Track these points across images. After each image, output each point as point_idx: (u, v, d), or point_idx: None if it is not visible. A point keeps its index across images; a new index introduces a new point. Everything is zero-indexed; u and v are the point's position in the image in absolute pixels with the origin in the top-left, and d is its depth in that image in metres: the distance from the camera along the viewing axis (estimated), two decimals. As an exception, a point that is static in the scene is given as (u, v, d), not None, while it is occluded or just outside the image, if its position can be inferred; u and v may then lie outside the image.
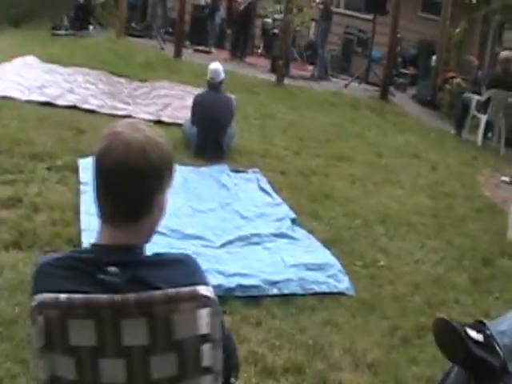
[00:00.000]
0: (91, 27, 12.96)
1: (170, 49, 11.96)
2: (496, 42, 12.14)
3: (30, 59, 9.26)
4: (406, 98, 12.31)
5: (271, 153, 6.95)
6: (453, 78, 11.16)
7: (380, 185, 6.58)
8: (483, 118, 8.99)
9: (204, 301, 1.55)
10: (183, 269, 1.64)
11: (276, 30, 13.38)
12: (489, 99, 8.89)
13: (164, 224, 4.54)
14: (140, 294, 1.51)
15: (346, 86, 11.77)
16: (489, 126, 9.24)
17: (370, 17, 14.41)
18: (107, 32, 12.92)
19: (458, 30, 11.67)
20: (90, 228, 4.41)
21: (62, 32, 12.62)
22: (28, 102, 7.28)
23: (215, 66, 6.65)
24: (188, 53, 12.01)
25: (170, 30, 13.49)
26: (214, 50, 12.80)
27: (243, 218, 5.19)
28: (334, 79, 12.73)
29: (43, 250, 4.11)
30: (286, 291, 4.01)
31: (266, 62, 12.58)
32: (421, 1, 14.59)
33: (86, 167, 5.54)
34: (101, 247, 1.58)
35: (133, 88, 8.63)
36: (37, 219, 4.53)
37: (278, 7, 13.38)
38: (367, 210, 5.76)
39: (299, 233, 5.01)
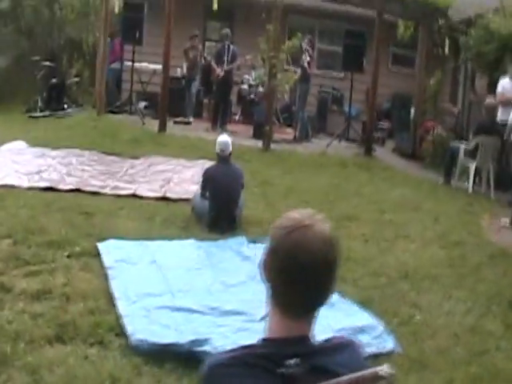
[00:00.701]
0: (68, 107, 12.98)
1: (150, 123, 12.09)
2: (467, 89, 12.57)
3: (19, 144, 9.23)
4: (386, 151, 12.59)
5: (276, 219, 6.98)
6: (433, 128, 11.49)
7: (392, 241, 6.69)
8: (472, 165, 9.25)
9: (385, 380, 1.56)
10: (355, 352, 1.66)
11: (253, 96, 13.64)
12: (477, 146, 9.16)
13: (200, 303, 4.56)
14: (324, 382, 1.51)
15: (327, 145, 11.99)
16: (476, 173, 9.51)
17: (342, 75, 14.91)
18: (85, 110, 12.98)
19: (432, 81, 12.04)
20: (132, 314, 4.42)
21: (39, 114, 12.63)
22: (30, 188, 7.24)
23: (224, 138, 6.76)
24: (169, 125, 12.14)
25: (147, 104, 13.64)
26: (192, 120, 12.95)
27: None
28: (315, 139, 12.94)
29: (88, 343, 4.04)
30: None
31: (246, 129, 12.78)
32: (391, 55, 15.04)
33: (107, 251, 5.55)
34: (277, 340, 1.58)
35: (128, 166, 8.64)
36: (72, 310, 4.45)
37: (253, 73, 13.66)
38: (387, 267, 5.86)
39: (333, 297, 5.04)
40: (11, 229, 5.86)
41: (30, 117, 12.48)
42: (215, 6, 10.94)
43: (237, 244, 6.04)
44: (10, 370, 3.65)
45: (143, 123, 11.98)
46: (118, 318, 4.37)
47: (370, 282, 5.49)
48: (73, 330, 4.17)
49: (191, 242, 5.98)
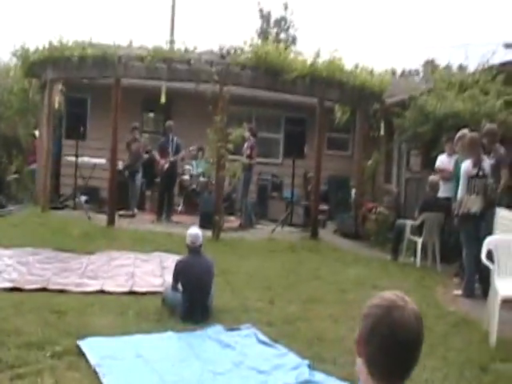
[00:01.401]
0: (7, 204, 12.84)
1: (95, 217, 12.11)
2: (403, 168, 13.34)
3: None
4: (328, 233, 13.01)
5: (249, 307, 7.14)
6: (375, 207, 12.03)
7: (358, 319, 6.89)
8: (419, 241, 9.74)
9: None
10: None
11: (194, 186, 13.92)
12: (423, 222, 9.68)
13: None
14: None
15: (272, 231, 12.31)
16: (421, 248, 10.00)
17: (279, 161, 15.46)
18: (27, 207, 12.85)
19: (370, 162, 12.71)
20: None
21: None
22: (-7, 290, 7.11)
23: (194, 230, 6.92)
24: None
25: (87, 198, 13.67)
26: (136, 212, 13.05)
27: (261, 372, 5.30)
28: (258, 226, 13.25)
29: None
30: None
31: (190, 219, 13.01)
32: (325, 139, 15.75)
33: (90, 349, 5.51)
34: None
35: (87, 261, 8.60)
36: None
37: (194, 163, 13.99)
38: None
39: (321, 376, 5.20)
40: (-13, 332, 5.76)
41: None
42: (163, 99, 11.29)
43: (215, 333, 6.12)
44: None
45: (89, 217, 11.97)
46: None
47: (347, 359, 5.64)
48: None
49: (170, 334, 6.02)
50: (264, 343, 5.96)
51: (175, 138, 12.94)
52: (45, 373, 4.97)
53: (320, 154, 12.11)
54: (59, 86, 13.17)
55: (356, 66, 12.57)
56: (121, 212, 12.64)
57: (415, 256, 10.02)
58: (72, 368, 5.12)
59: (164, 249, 9.83)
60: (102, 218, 12.23)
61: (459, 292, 8.10)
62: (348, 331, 6.49)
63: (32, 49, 13.13)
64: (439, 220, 9.78)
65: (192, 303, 6.49)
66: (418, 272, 9.43)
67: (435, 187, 9.79)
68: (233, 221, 13.24)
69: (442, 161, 10.32)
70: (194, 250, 6.79)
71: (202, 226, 12.15)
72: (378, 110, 12.81)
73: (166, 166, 12.61)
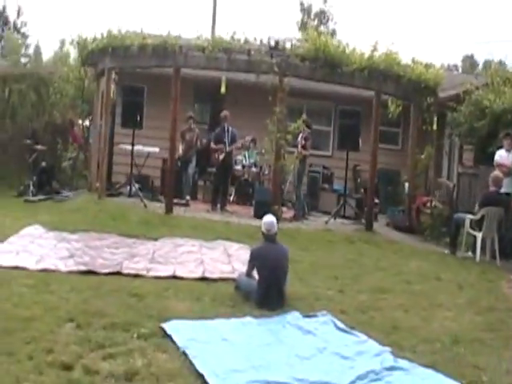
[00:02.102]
0: (62, 190, 13.05)
1: (150, 205, 12.28)
2: (455, 162, 13.27)
3: (36, 228, 9.26)
4: (381, 226, 13.01)
5: (320, 295, 7.22)
6: (429, 201, 12.00)
7: (429, 310, 6.99)
8: (479, 235, 9.71)
9: None
10: None
11: (246, 176, 14.02)
12: (482, 217, 9.65)
13: (286, 375, 4.68)
14: None
15: (326, 222, 12.35)
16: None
17: (329, 153, 15.50)
18: (83, 194, 13.07)
19: (423, 156, 12.68)
20: None
21: (35, 198, 12.65)
22: (70, 272, 7.28)
23: (270, 218, 7.02)
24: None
25: (139, 186, 13.82)
26: (189, 200, 13.18)
27: (345, 358, 5.36)
28: (310, 217, 13.29)
29: None
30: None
31: (243, 209, 13.13)
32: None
33: (175, 332, 5.61)
34: None
35: (152, 247, 8.75)
36: None
37: (245, 154, 14.06)
38: (436, 333, 6.14)
39: (405, 363, 5.24)
40: (70, 312, 5.89)
41: (26, 201, 12.49)
42: (223, 90, 11.38)
43: (294, 319, 6.20)
44: None
45: (145, 205, 12.14)
46: None
47: (426, 348, 5.73)
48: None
49: (249, 319, 6.12)
50: (342, 330, 6.02)
51: (230, 128, 13.03)
52: (135, 353, 5.08)
53: (376, 147, 12.13)
54: (113, 75, 13.33)
55: (413, 60, 12.54)
56: (174, 200, 12.77)
57: (473, 250, 9.99)
58: (160, 349, 5.23)
59: (224, 237, 9.94)
60: (157, 206, 12.42)
61: (524, 287, 8.08)
62: (420, 321, 6.57)
63: (89, 38, 13.33)
64: (499, 215, 9.74)
65: (268, 290, 6.58)
66: (479, 266, 9.42)
67: (498, 183, 9.75)
68: (285, 212, 13.31)
69: (501, 155, 10.29)
70: (270, 237, 6.88)
71: (257, 215, 12.26)
72: (431, 104, 12.74)
73: (222, 156, 12.71)
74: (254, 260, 6.80)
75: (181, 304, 6.47)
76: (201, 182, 14.30)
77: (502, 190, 9.87)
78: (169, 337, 5.47)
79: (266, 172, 14.36)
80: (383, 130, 15.76)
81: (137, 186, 13.63)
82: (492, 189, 9.81)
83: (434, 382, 4.90)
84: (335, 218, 12.89)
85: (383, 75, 11.93)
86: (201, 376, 4.71)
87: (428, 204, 12.05)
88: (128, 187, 13.29)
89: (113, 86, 13.41)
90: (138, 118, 12.42)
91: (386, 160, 15.17)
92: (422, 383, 4.88)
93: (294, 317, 6.27)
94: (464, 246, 10.20)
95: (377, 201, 13.76)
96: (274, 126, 10.92)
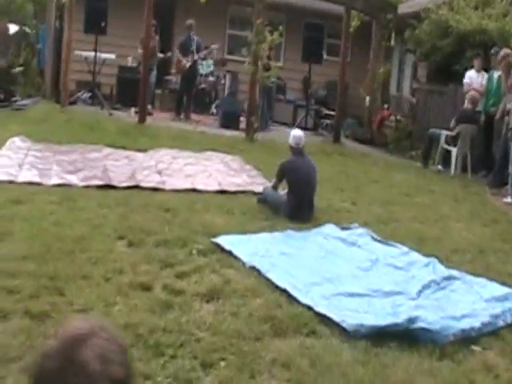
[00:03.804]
0: (17, 98, 12.32)
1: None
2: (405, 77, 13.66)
3: (24, 141, 8.78)
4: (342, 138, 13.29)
5: (337, 207, 7.45)
6: (390, 115, 12.38)
7: (441, 221, 7.40)
8: (454, 150, 10.21)
9: None
10: None
11: (203, 86, 13.77)
12: (458, 133, 10.13)
13: (360, 287, 4.91)
14: None
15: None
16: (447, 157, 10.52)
17: (281, 64, 15.44)
18: (41, 102, 12.42)
19: (381, 71, 12.93)
20: (319, 304, 4.60)
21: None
22: (86, 187, 7.05)
23: (298, 132, 7.06)
24: (132, 115, 12.01)
25: (90, 94, 13.29)
26: (151, 109, 12.86)
27: (399, 268, 5.63)
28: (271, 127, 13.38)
29: (303, 334, 4.26)
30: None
31: (205, 118, 13.01)
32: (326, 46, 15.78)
33: (233, 247, 5.61)
34: None
35: (150, 159, 8.56)
36: (259, 305, 4.56)
37: (204, 63, 13.76)
38: (461, 244, 6.55)
39: (456, 272, 5.58)
40: (116, 230, 5.77)
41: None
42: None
43: (333, 231, 6.39)
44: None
45: (110, 114, 11.75)
46: (304, 308, 4.59)
47: (459, 258, 6.10)
48: (279, 323, 4.36)
49: (291, 233, 6.25)
50: (380, 242, 6.27)
51: (196, 37, 12.66)
52: (206, 270, 5.08)
53: (344, 60, 12.23)
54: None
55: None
56: (136, 109, 12.42)
57: (443, 164, 10.51)
58: (226, 265, 5.25)
59: (209, 148, 9.85)
60: (121, 115, 12.07)
61: (508, 200, 8.66)
62: (441, 232, 6.93)
63: None
64: (473, 132, 10.26)
65: (300, 202, 6.72)
66: (458, 180, 9.95)
67: (476, 102, 10.19)
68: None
69: (470, 77, 10.68)
70: (298, 150, 6.96)
71: (224, 125, 12.24)
72: (391, 21, 12.92)
73: (188, 64, 12.38)
74: (285, 174, 6.87)
75: (217, 218, 6.47)
76: (158, 91, 13.90)
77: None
78: (228, 252, 5.51)
79: (223, 81, 14.18)
80: (333, 43, 15.88)
81: (88, 94, 13.13)
82: (468, 106, 10.25)
83: (493, 289, 5.25)
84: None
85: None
86: (283, 291, 4.81)
87: (389, 118, 12.42)
88: (84, 95, 12.77)
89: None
90: (103, 24, 11.76)
91: (333, 72, 15.29)
92: (482, 291, 5.23)
93: (331, 229, 6.45)
94: (437, 160, 10.69)
95: (332, 113, 14.01)
96: (255, 37, 10.72)
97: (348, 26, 12.17)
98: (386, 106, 13.55)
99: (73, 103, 12.32)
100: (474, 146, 10.43)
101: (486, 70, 10.60)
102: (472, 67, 10.71)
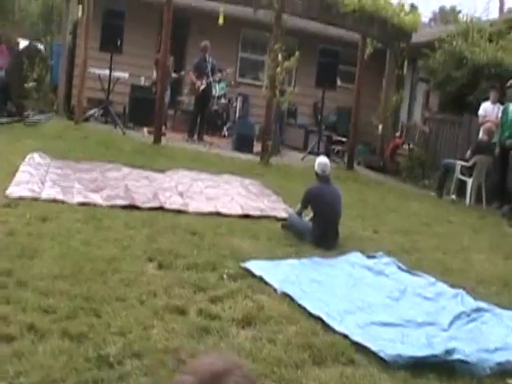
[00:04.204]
0: (29, 113, 12.33)
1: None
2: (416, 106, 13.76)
3: (42, 157, 8.76)
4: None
5: (359, 235, 7.46)
6: (403, 143, 12.44)
7: (462, 252, 7.40)
8: (469, 181, 10.27)
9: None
10: None
11: (216, 107, 13.84)
12: (473, 164, 10.19)
13: (392, 317, 4.88)
14: None
15: (302, 159, 12.54)
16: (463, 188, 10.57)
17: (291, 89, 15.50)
18: (54, 118, 12.44)
19: (395, 98, 13.02)
20: (355, 333, 4.56)
21: (2, 120, 11.85)
22: (111, 207, 7.03)
23: (324, 160, 7.10)
24: (146, 135, 12.05)
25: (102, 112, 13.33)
26: (164, 130, 12.89)
27: (428, 299, 5.61)
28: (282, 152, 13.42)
29: (341, 363, 4.24)
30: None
31: (218, 140, 13.06)
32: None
33: (263, 271, 5.63)
34: None
35: (170, 181, 8.55)
36: (293, 332, 4.53)
37: (217, 85, 13.84)
38: (485, 276, 6.53)
39: (485, 305, 5.56)
40: (145, 252, 5.73)
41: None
42: (221, 21, 11.05)
43: (359, 260, 6.39)
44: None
45: (123, 133, 11.78)
46: (340, 337, 4.56)
47: (485, 291, 6.10)
48: (317, 351, 4.34)
49: (318, 260, 6.24)
50: (407, 271, 6.27)
51: (211, 59, 12.73)
52: (238, 296, 5.03)
53: (360, 87, 12.32)
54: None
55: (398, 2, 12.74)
56: (149, 129, 12.45)
57: (458, 194, 10.55)
58: (258, 291, 5.20)
59: (226, 171, 9.87)
60: (134, 134, 12.11)
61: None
62: (464, 263, 6.92)
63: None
64: (488, 163, 10.32)
65: (326, 229, 6.73)
66: (473, 211, 9.98)
67: (491, 133, 10.27)
68: (256, 145, 13.31)
69: (485, 109, 10.77)
70: (325, 178, 6.98)
71: (237, 148, 12.28)
72: (404, 49, 13.05)
73: (203, 86, 12.44)
74: (311, 200, 6.88)
75: (243, 243, 6.46)
76: (171, 111, 13.95)
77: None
78: (258, 278, 5.48)
79: (235, 104, 14.27)
80: (344, 69, 15.98)
81: (100, 112, 13.17)
82: (484, 138, 10.34)
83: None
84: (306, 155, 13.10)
85: (370, 19, 12.05)
86: (317, 318, 4.80)
87: (402, 146, 12.48)
88: (96, 113, 12.81)
89: (80, 6, 12.60)
90: (119, 43, 11.81)
91: (344, 98, 15.42)
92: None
93: (357, 257, 6.45)
94: (452, 190, 10.71)
95: (344, 139, 14.07)
96: (272, 62, 10.81)
97: (363, 53, 12.29)
98: (397, 134, 13.65)
99: (86, 120, 12.32)
100: (489, 178, 10.48)
101: (502, 103, 10.69)
102: (487, 99, 10.81)
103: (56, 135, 10.82)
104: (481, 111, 10.73)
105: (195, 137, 12.66)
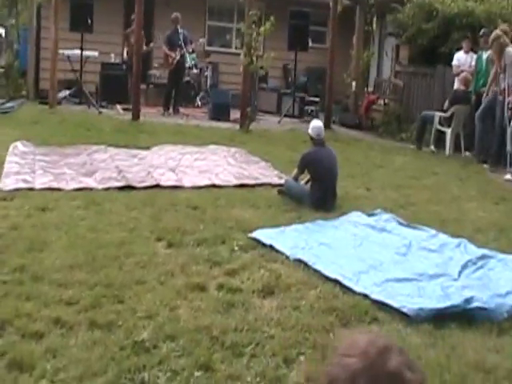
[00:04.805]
0: (1, 100, 12.06)
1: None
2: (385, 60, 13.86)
3: (26, 145, 8.64)
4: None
5: (354, 194, 7.59)
6: (377, 99, 12.53)
7: (454, 202, 7.58)
8: (448, 131, 10.43)
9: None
10: None
11: (188, 78, 13.72)
12: (452, 114, 10.34)
13: (405, 272, 5.03)
14: None
15: (279, 122, 12.57)
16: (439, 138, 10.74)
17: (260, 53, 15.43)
18: (27, 104, 12.20)
19: (366, 55, 13.08)
20: (373, 291, 4.69)
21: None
22: (107, 189, 7.00)
23: (318, 123, 7.16)
24: (121, 112, 11.93)
25: (71, 92, 13.12)
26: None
27: (433, 251, 5.75)
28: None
29: (366, 322, 4.37)
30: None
31: (193, 111, 12.99)
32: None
33: (272, 240, 5.69)
34: None
35: (163, 157, 8.52)
36: (310, 296, 4.65)
37: (188, 56, 13.67)
38: (481, 224, 6.73)
39: (486, 251, 5.72)
40: (153, 232, 5.76)
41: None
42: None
43: (360, 219, 6.49)
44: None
45: (100, 112, 11.65)
46: (360, 297, 4.67)
47: (483, 238, 6.22)
48: (342, 314, 4.44)
49: (321, 222, 6.34)
50: (407, 226, 6.39)
51: (182, 30, 12.58)
52: (253, 266, 5.10)
53: (334, 46, 12.32)
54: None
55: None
56: (121, 106, 12.32)
57: (436, 145, 10.72)
58: (271, 260, 5.30)
59: (209, 142, 9.87)
60: (109, 113, 11.97)
61: (508, 176, 8.91)
62: (458, 213, 7.11)
63: None
64: (466, 112, 10.48)
65: (325, 192, 6.82)
66: (454, 160, 10.16)
67: (468, 83, 10.41)
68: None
69: (459, 58, 10.88)
70: (320, 141, 7.05)
71: (214, 117, 12.25)
72: (373, 5, 13.06)
73: (177, 58, 12.32)
74: (308, 165, 6.96)
75: (244, 213, 6.52)
76: (143, 86, 13.76)
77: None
78: (269, 246, 5.56)
79: (207, 73, 14.17)
80: (311, 29, 15.95)
81: (67, 92, 12.96)
82: (461, 87, 10.48)
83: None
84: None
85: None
86: (334, 281, 4.91)
87: (377, 101, 12.57)
88: (63, 95, 12.61)
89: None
90: (89, 22, 11.59)
91: (314, 58, 15.42)
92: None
93: (358, 216, 6.55)
94: (431, 141, 10.87)
95: (317, 99, 14.11)
96: (248, 29, 10.73)
97: (335, 12, 12.25)
98: (369, 89, 13.73)
99: (58, 103, 12.13)
100: (466, 127, 10.66)
101: (474, 51, 10.82)
102: (459, 49, 10.92)
103: (33, 121, 10.65)
104: (454, 61, 10.85)
105: (170, 110, 12.59)
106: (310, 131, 7.07)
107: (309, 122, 12.93)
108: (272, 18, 10.87)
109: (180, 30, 12.59)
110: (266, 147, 9.92)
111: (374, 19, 13.11)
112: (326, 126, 12.22)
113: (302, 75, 15.39)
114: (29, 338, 3.74)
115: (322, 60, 15.51)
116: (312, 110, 13.91)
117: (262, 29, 10.87)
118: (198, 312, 4.29)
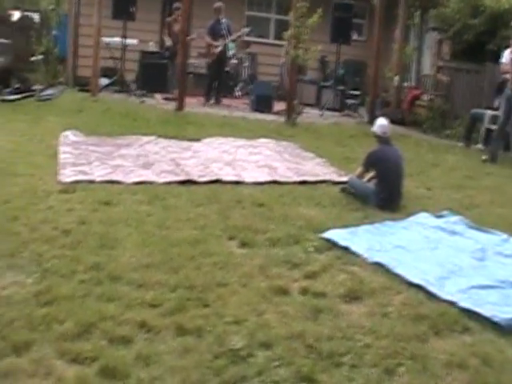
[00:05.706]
0: (38, 86, 11.92)
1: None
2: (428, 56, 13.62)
3: (76, 135, 8.52)
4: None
5: (415, 193, 7.42)
6: (421, 94, 12.32)
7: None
8: (499, 130, 10.20)
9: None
10: None
11: (227, 69, 13.57)
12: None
13: (487, 276, 4.85)
14: None
15: (321, 115, 12.42)
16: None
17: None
18: (67, 91, 12.09)
19: (408, 48, 12.87)
20: (460, 299, 4.56)
21: (12, 97, 11.45)
22: (168, 183, 6.86)
23: (383, 121, 6.99)
24: (161, 102, 11.82)
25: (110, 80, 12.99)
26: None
27: (508, 256, 5.59)
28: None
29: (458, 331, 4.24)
30: None
31: (234, 102, 12.86)
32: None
33: (347, 241, 5.57)
34: None
35: (219, 151, 8.40)
36: (396, 303, 4.52)
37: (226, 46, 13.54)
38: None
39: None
40: (224, 230, 5.61)
41: (3, 101, 11.25)
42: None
43: (429, 221, 6.33)
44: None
45: (142, 101, 11.55)
46: (446, 304, 4.53)
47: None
48: (432, 322, 4.32)
49: (390, 223, 6.18)
50: (477, 229, 6.24)
51: (225, 20, 12.43)
52: (332, 270, 4.97)
53: (379, 40, 12.12)
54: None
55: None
56: (164, 95, 12.18)
57: (484, 144, 10.51)
58: (349, 263, 5.15)
59: (259, 135, 9.73)
60: (151, 102, 11.86)
61: None
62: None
63: None
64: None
65: (391, 191, 6.69)
66: (505, 159, 9.94)
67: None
68: (276, 105, 13.06)
69: (506, 57, 10.62)
70: (386, 139, 6.92)
71: (257, 109, 12.11)
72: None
73: (220, 48, 12.16)
74: (374, 163, 6.82)
75: (311, 211, 6.37)
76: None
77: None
78: (344, 248, 5.42)
79: (246, 64, 14.02)
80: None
81: (106, 81, 12.83)
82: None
83: None
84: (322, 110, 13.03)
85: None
86: (417, 286, 4.76)
87: (420, 97, 12.37)
88: (104, 83, 12.49)
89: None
90: (133, 9, 11.45)
91: (352, 51, 15.17)
92: None
93: (425, 217, 6.41)
94: (480, 139, 10.67)
95: (358, 92, 13.91)
96: (296, 21, 10.58)
97: (382, 4, 12.04)
98: (413, 85, 13.51)
99: (99, 91, 12.01)
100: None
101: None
102: (507, 47, 10.67)
103: (77, 109, 10.53)
104: (503, 59, 10.60)
105: (212, 100, 12.44)
106: (375, 129, 6.93)
107: (350, 115, 13.06)
108: (320, 10, 10.68)
109: (223, 20, 12.42)
110: (314, 142, 9.78)
111: (418, 13, 12.83)
112: (371, 121, 12.14)
113: (340, 68, 15.16)
114: (117, 344, 3.58)
115: (359, 53, 15.34)
116: (351, 104, 13.71)
117: (309, 21, 10.68)
118: (286, 318, 4.15)
